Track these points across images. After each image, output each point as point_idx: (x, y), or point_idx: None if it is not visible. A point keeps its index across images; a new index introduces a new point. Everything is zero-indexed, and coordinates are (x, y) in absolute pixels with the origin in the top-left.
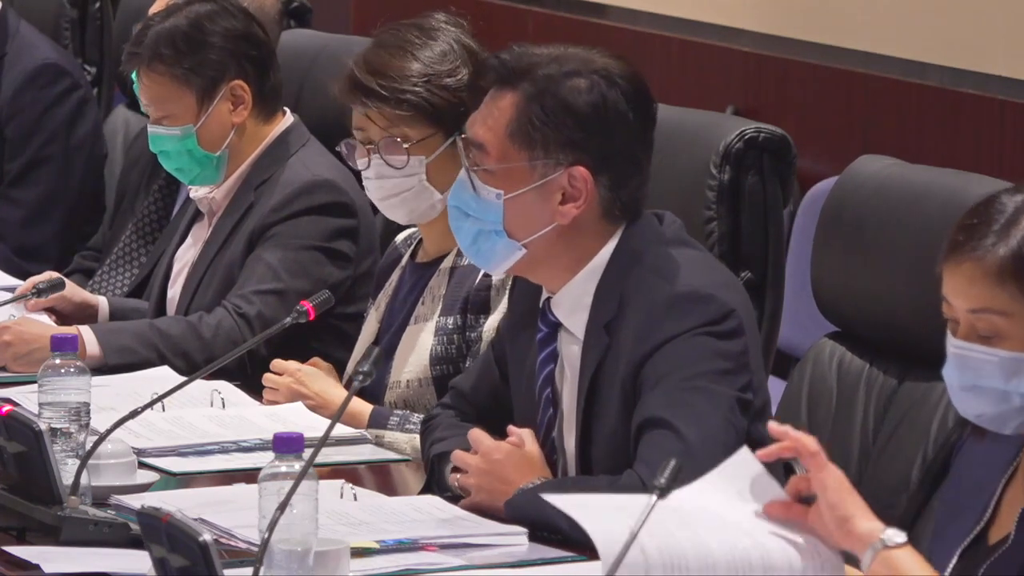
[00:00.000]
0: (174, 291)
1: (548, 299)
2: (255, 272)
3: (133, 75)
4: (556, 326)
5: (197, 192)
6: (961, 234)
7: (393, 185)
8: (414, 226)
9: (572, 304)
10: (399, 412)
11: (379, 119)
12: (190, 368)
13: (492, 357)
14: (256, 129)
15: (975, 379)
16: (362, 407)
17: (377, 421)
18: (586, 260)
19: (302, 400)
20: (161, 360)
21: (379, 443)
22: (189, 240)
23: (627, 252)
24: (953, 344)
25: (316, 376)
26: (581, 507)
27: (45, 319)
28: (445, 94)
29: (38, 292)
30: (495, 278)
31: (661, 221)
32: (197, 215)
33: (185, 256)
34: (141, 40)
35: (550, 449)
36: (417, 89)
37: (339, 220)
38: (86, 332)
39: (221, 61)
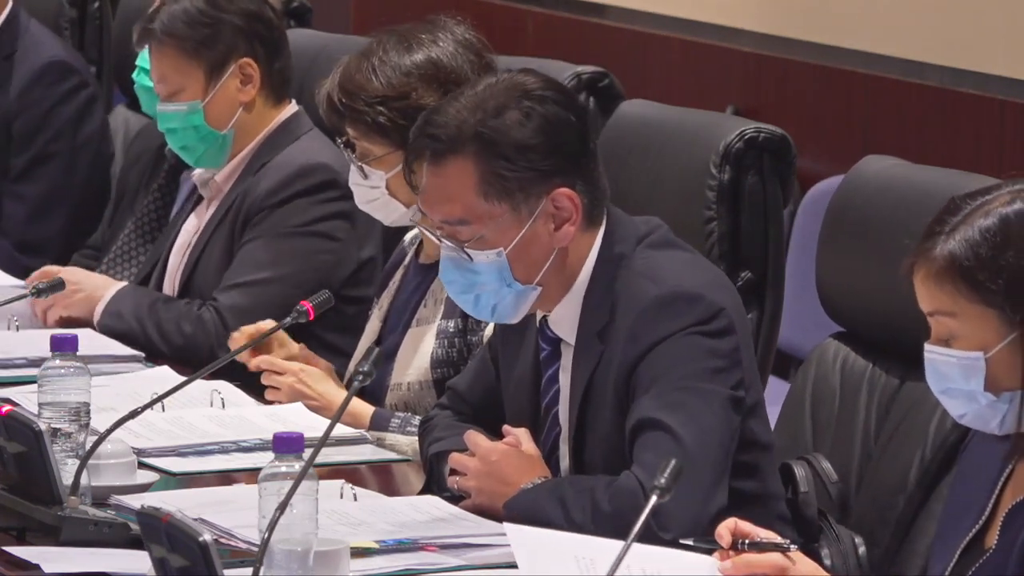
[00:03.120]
0: (171, 266)
1: (545, 317)
2: (240, 262)
3: (134, 75)
4: (557, 343)
5: (199, 175)
6: (921, 237)
7: (364, 192)
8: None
9: (569, 318)
10: (400, 415)
11: (347, 130)
12: (165, 349)
13: (488, 357)
14: (263, 111)
15: (944, 382)
16: (363, 408)
17: (378, 423)
18: (577, 273)
19: (304, 400)
20: (143, 334)
21: (380, 445)
22: (192, 219)
23: (611, 257)
24: (924, 349)
25: (318, 377)
26: (528, 549)
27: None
28: (397, 116)
29: (37, 292)
30: None
31: (647, 224)
32: (199, 199)
33: (184, 236)
34: (154, 17)
35: (554, 467)
36: (370, 110)
37: (333, 203)
38: (112, 288)
39: (232, 38)
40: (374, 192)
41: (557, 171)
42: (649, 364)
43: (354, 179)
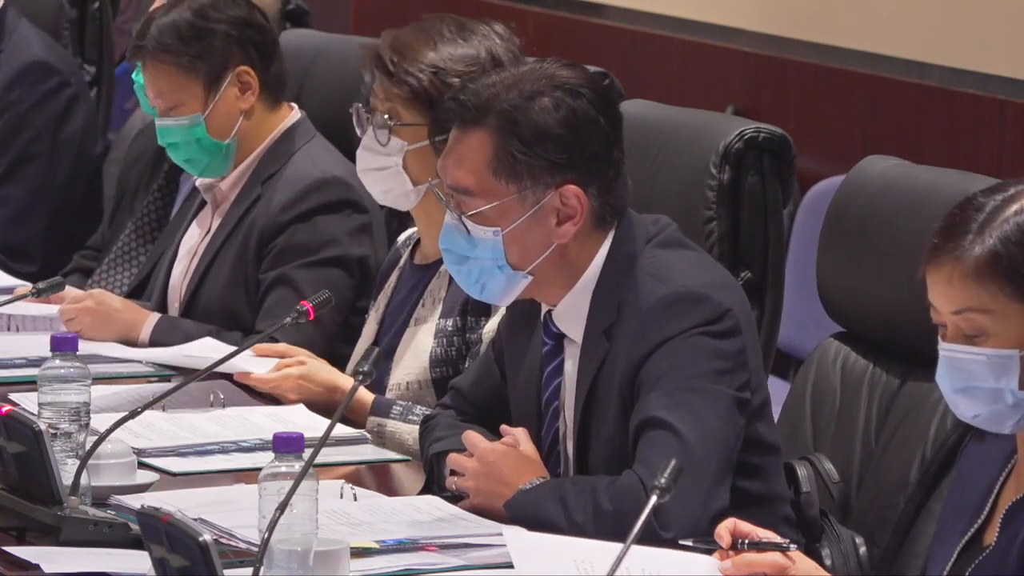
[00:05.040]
0: (175, 276)
1: (549, 312)
2: (284, 299)
3: (134, 75)
4: (560, 338)
5: (204, 181)
6: (939, 237)
7: (373, 159)
8: (407, 218)
9: (574, 314)
10: (403, 403)
11: (381, 92)
12: None
13: (492, 357)
14: (263, 117)
15: (967, 380)
16: (364, 396)
17: (380, 409)
18: (583, 270)
19: (311, 396)
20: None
21: (381, 432)
22: (194, 227)
23: (620, 256)
24: (943, 347)
25: (320, 369)
26: (526, 555)
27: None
28: (446, 90)
29: (38, 292)
30: None
31: (657, 224)
32: (201, 205)
33: (189, 244)
34: (145, 33)
35: (555, 462)
36: (421, 75)
37: (353, 217)
38: (149, 320)
39: (226, 47)
40: (387, 160)
41: (571, 167)
42: (654, 364)
43: (367, 143)
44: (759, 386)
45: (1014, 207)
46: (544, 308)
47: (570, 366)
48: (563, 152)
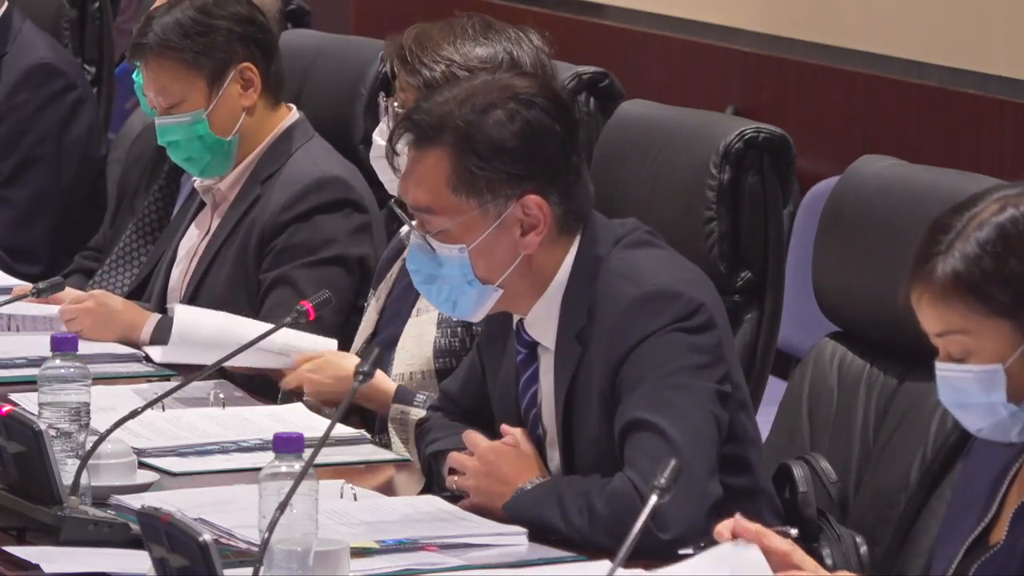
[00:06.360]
0: (175, 277)
1: (520, 321)
2: (284, 299)
3: (134, 75)
4: (534, 346)
5: (203, 182)
6: (914, 261)
7: (383, 147)
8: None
9: (545, 322)
10: (426, 392)
11: (399, 82)
12: None
13: (477, 360)
14: (264, 115)
15: (961, 397)
16: (388, 385)
17: (404, 397)
18: (551, 277)
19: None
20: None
21: (404, 420)
22: (193, 229)
23: (588, 259)
24: (936, 367)
25: (323, 365)
26: None
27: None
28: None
29: (38, 292)
30: None
31: (624, 226)
32: (200, 205)
33: (188, 244)
34: (146, 31)
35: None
36: (435, 67)
37: (353, 217)
38: (150, 320)
39: (229, 44)
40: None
41: (530, 177)
42: (633, 364)
43: (380, 130)
44: (737, 379)
45: (976, 223)
46: (516, 317)
47: (545, 371)
48: (521, 163)
